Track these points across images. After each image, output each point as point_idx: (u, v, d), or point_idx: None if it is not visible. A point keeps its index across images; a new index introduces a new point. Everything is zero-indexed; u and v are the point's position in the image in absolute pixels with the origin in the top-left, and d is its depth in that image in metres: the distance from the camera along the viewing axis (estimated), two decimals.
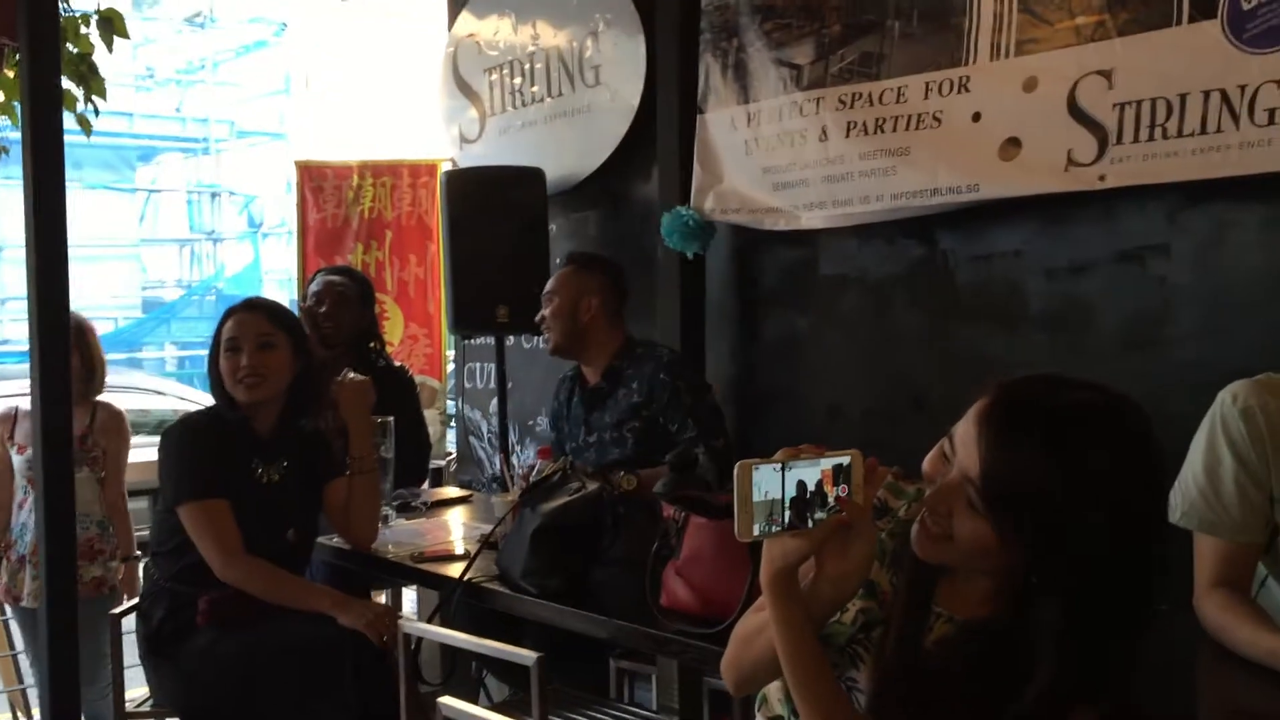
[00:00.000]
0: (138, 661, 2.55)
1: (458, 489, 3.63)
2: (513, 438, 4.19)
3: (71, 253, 2.75)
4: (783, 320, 3.40)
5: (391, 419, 2.83)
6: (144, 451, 3.64)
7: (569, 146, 3.94)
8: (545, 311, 2.95)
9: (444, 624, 2.26)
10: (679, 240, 3.32)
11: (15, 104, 3.28)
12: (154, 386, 8.47)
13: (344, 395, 2.64)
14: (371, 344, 3.52)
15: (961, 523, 1.17)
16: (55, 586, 2.71)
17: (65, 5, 3.40)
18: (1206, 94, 2.32)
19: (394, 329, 5.01)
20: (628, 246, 3.67)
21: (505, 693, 2.77)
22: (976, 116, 2.72)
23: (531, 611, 2.18)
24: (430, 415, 4.27)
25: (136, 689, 2.70)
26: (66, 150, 2.72)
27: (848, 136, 2.98)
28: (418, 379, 3.89)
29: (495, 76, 4.27)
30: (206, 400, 2.66)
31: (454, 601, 2.30)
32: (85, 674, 3.11)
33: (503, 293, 3.64)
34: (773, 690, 1.41)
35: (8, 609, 3.58)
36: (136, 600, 2.63)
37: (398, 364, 3.75)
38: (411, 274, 5.05)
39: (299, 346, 2.56)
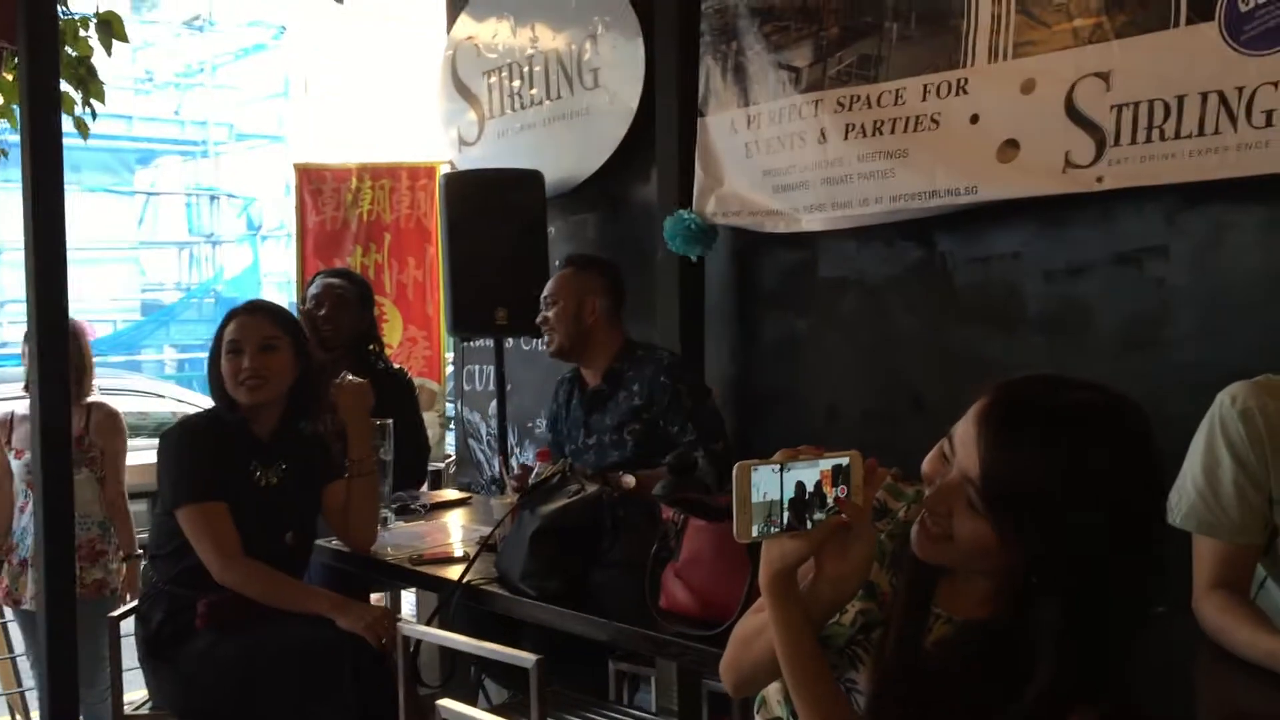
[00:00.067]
0: (137, 664, 2.55)
1: (457, 491, 3.63)
2: (512, 440, 4.19)
3: (70, 255, 2.75)
4: (782, 322, 3.40)
5: (390, 421, 2.83)
6: (143, 454, 3.65)
7: (568, 149, 3.95)
8: (548, 314, 2.94)
9: (443, 626, 2.26)
10: (682, 244, 3.32)
11: (14, 107, 3.28)
12: (153, 389, 8.48)
13: (343, 398, 2.64)
14: (371, 346, 3.52)
15: (961, 523, 1.17)
16: (54, 588, 2.71)
17: (64, 8, 3.40)
18: (1204, 96, 2.32)
19: (393, 331, 5.01)
20: (627, 249, 3.67)
21: (504, 695, 2.77)
22: (974, 118, 2.72)
23: (531, 614, 2.18)
24: (429, 418, 4.27)
25: (135, 691, 2.70)
26: (65, 153, 2.72)
27: (846, 139, 2.98)
28: (417, 381, 3.89)
29: (494, 79, 4.27)
30: (206, 403, 2.66)
31: (453, 604, 2.30)
32: (85, 676, 3.11)
33: (502, 295, 3.64)
34: (772, 692, 1.41)
35: (8, 612, 3.58)
36: (135, 603, 2.63)
37: (397, 366, 3.75)
38: (410, 276, 5.05)
39: (300, 350, 2.56)
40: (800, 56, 3.11)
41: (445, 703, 1.99)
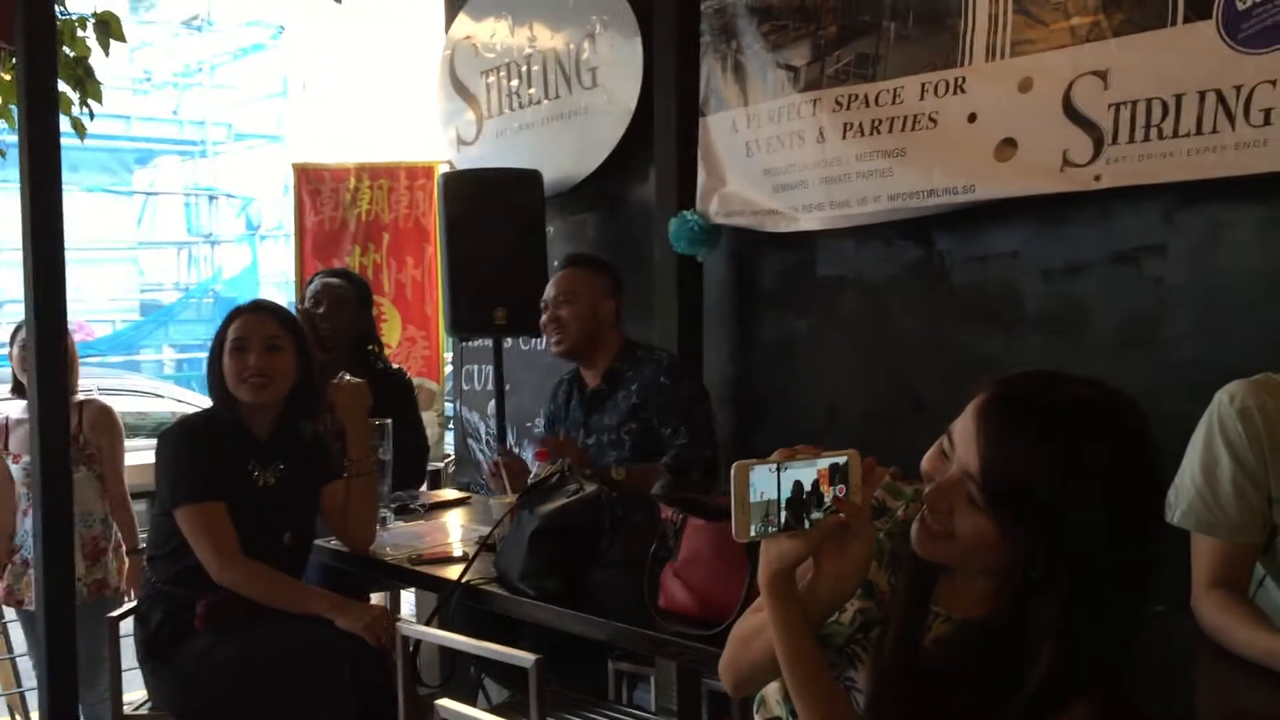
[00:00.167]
0: (136, 664, 2.55)
1: (456, 491, 3.63)
2: (511, 440, 4.19)
3: (69, 256, 2.76)
4: (780, 322, 3.40)
5: (389, 421, 2.83)
6: (142, 454, 3.65)
7: (566, 149, 3.94)
8: (561, 312, 2.92)
9: (442, 626, 2.26)
10: (686, 245, 3.33)
11: (12, 107, 3.28)
12: (152, 389, 8.49)
13: (341, 398, 2.64)
14: (370, 346, 3.52)
15: (962, 519, 1.18)
16: (53, 588, 2.71)
17: (62, 8, 3.40)
18: (1202, 94, 2.32)
19: (392, 331, 5.01)
20: (625, 248, 3.67)
21: (504, 695, 2.77)
22: (972, 117, 2.72)
23: (530, 613, 2.17)
24: (428, 417, 4.27)
25: (135, 692, 2.70)
26: (64, 153, 2.73)
27: (844, 138, 2.98)
28: (416, 381, 3.89)
29: (492, 79, 4.27)
30: (205, 403, 2.66)
31: (452, 604, 2.30)
32: (86, 677, 3.11)
33: (500, 295, 3.64)
34: (770, 691, 1.42)
35: (9, 612, 3.58)
36: (135, 604, 2.63)
37: (395, 366, 3.75)
38: (409, 276, 5.05)
39: (302, 351, 2.56)
40: (798, 56, 3.11)
41: (444, 702, 1.99)
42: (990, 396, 1.19)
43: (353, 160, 5.16)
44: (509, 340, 4.06)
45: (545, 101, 4.04)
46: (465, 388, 4.59)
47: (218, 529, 2.40)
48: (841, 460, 1.21)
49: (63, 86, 3.33)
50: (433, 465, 4.14)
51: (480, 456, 4.53)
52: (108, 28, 3.52)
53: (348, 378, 2.69)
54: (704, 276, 3.46)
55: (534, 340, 4.14)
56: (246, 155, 19.06)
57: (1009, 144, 2.65)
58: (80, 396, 3.51)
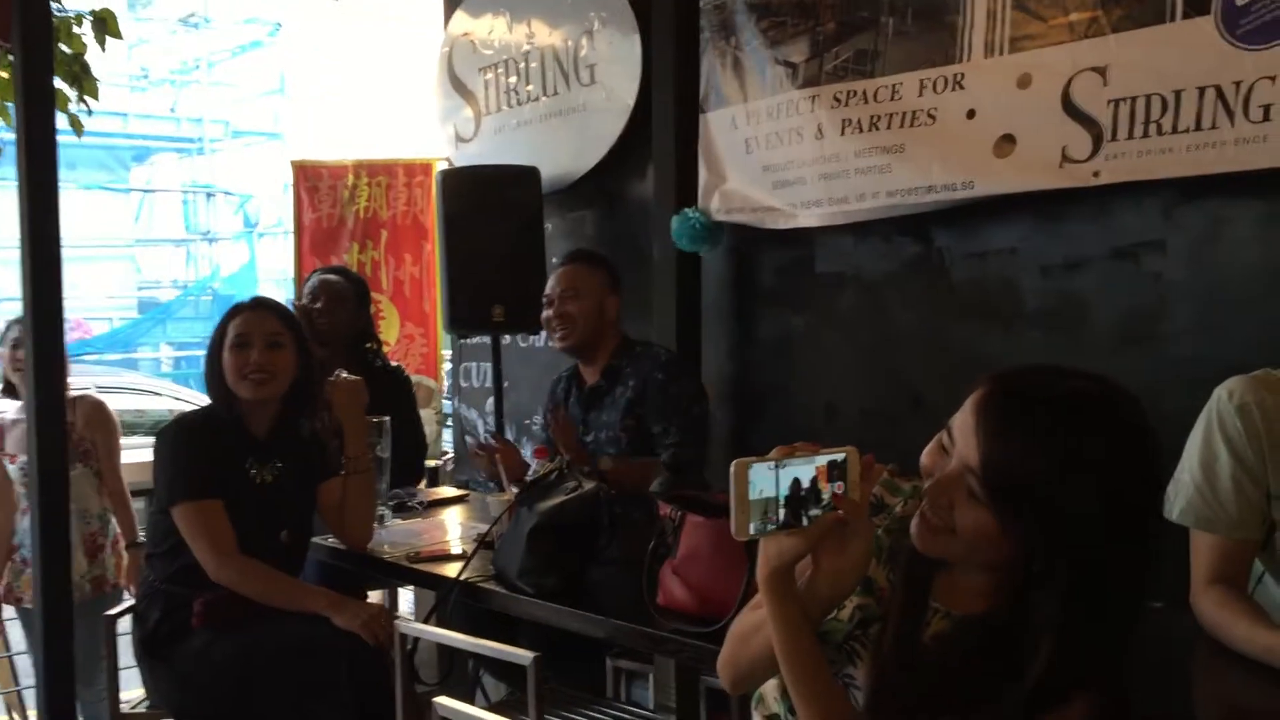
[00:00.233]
0: (133, 663, 2.55)
1: (454, 489, 3.63)
2: (509, 437, 4.19)
3: (66, 253, 2.75)
4: (779, 319, 3.40)
5: (387, 419, 2.83)
6: (140, 452, 3.65)
7: (564, 146, 3.94)
8: (569, 308, 2.92)
9: (441, 624, 2.25)
10: (688, 242, 3.33)
11: (8, 104, 3.27)
12: (150, 387, 8.48)
13: (338, 395, 2.64)
14: (368, 344, 3.52)
15: (963, 513, 1.18)
16: (50, 586, 2.71)
17: (58, 5, 3.39)
18: (1201, 90, 2.32)
19: (390, 329, 5.01)
20: (624, 245, 3.67)
21: (502, 692, 2.77)
22: (971, 113, 2.72)
23: (528, 611, 2.17)
24: (426, 415, 4.27)
25: (132, 690, 2.70)
26: (61, 150, 2.72)
27: (843, 134, 2.98)
28: (414, 379, 3.89)
29: (490, 75, 4.27)
30: (202, 400, 2.65)
31: (450, 601, 2.30)
32: (84, 675, 3.11)
33: (499, 292, 3.63)
34: (769, 689, 1.41)
35: (8, 610, 3.58)
36: (132, 602, 2.62)
37: (394, 364, 3.74)
38: (407, 273, 5.05)
39: (302, 349, 2.56)
40: (797, 52, 3.11)
41: (443, 700, 1.99)
42: (990, 391, 1.19)
43: (351, 157, 5.16)
44: (507, 337, 4.06)
45: (543, 98, 4.03)
46: (463, 385, 4.59)
47: (215, 527, 2.40)
48: (840, 457, 1.21)
49: (59, 83, 3.31)
50: (431, 463, 4.14)
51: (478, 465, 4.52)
52: (104, 24, 3.51)
53: (344, 375, 2.69)
54: (702, 273, 3.46)
55: (532, 337, 4.14)
56: (244, 152, 19.05)
57: (1008, 140, 2.64)
58: (73, 393, 3.50)
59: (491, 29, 4.25)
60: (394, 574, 2.64)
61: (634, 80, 3.65)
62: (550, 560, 2.15)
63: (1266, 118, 2.22)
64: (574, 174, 3.92)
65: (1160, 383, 2.31)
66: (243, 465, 2.49)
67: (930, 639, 1.26)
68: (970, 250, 2.91)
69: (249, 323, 2.50)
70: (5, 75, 3.26)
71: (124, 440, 3.62)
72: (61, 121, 3.31)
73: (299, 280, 4.80)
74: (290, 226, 5.18)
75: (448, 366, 5.08)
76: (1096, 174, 2.49)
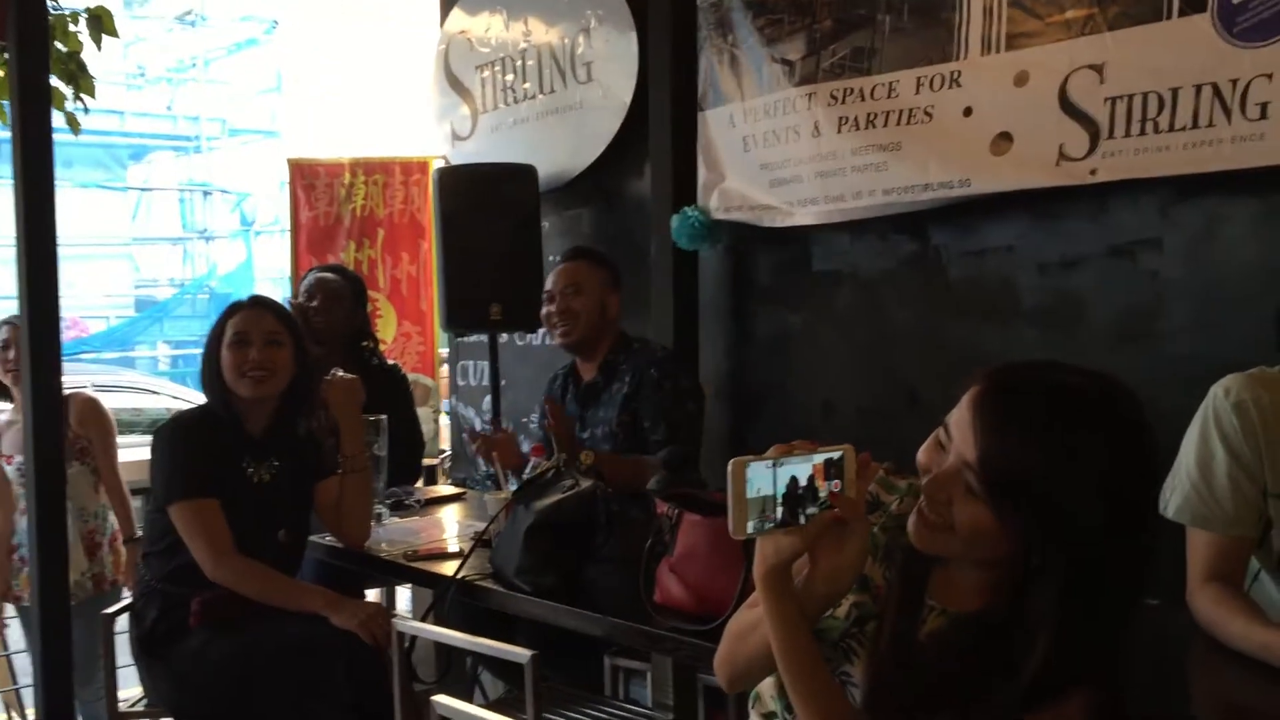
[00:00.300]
0: (131, 661, 2.54)
1: (451, 487, 3.62)
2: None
3: (63, 252, 2.75)
4: (776, 317, 3.40)
5: (384, 417, 2.83)
6: (137, 450, 3.64)
7: (561, 143, 3.94)
8: (573, 304, 2.92)
9: (438, 622, 2.25)
10: (687, 241, 3.33)
11: (4, 103, 3.27)
12: (147, 385, 8.47)
13: (333, 394, 2.63)
14: (365, 342, 3.52)
15: (961, 509, 1.18)
16: (48, 585, 2.71)
17: (54, 3, 3.39)
18: (1198, 88, 2.32)
19: (387, 327, 5.00)
20: (621, 243, 3.67)
21: (500, 690, 2.77)
22: (968, 111, 2.72)
23: (526, 609, 2.17)
24: (424, 413, 4.26)
25: (130, 689, 2.70)
26: (57, 149, 2.72)
27: (839, 132, 2.98)
28: (411, 377, 3.88)
29: (487, 73, 4.27)
30: (199, 399, 2.65)
31: (448, 599, 2.29)
32: (84, 674, 3.11)
33: (495, 290, 3.63)
34: (765, 687, 1.41)
35: (8, 609, 3.58)
36: (129, 600, 2.62)
37: (390, 362, 3.74)
38: (404, 272, 5.04)
39: (300, 347, 2.56)
40: (793, 49, 3.11)
41: (440, 698, 1.99)
42: (986, 386, 1.19)
43: (348, 155, 5.15)
44: (504, 335, 4.06)
45: (540, 96, 4.03)
46: (460, 383, 4.59)
47: (212, 526, 2.39)
48: (836, 455, 1.21)
49: (56, 82, 3.31)
50: (428, 461, 4.13)
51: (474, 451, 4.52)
52: (100, 23, 3.51)
53: (340, 373, 2.69)
54: (699, 271, 3.46)
55: (529, 336, 4.14)
56: (241, 150, 19.02)
57: (1005, 138, 2.64)
58: (65, 391, 3.50)
59: (488, 27, 4.25)
60: (391, 572, 2.64)
61: (630, 78, 3.64)
62: (547, 558, 2.15)
63: (1264, 115, 2.22)
64: (571, 172, 3.91)
65: (1157, 380, 2.30)
66: (240, 464, 2.49)
67: (926, 636, 1.26)
68: (967, 248, 2.91)
69: (247, 321, 2.50)
70: (1, 74, 3.26)
71: (122, 439, 3.62)
72: (58, 120, 3.31)
73: (295, 279, 4.79)
74: (287, 225, 5.17)
75: (444, 365, 5.07)
76: (1094, 172, 2.49)
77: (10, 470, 3.40)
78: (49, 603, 2.72)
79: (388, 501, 2.95)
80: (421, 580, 2.50)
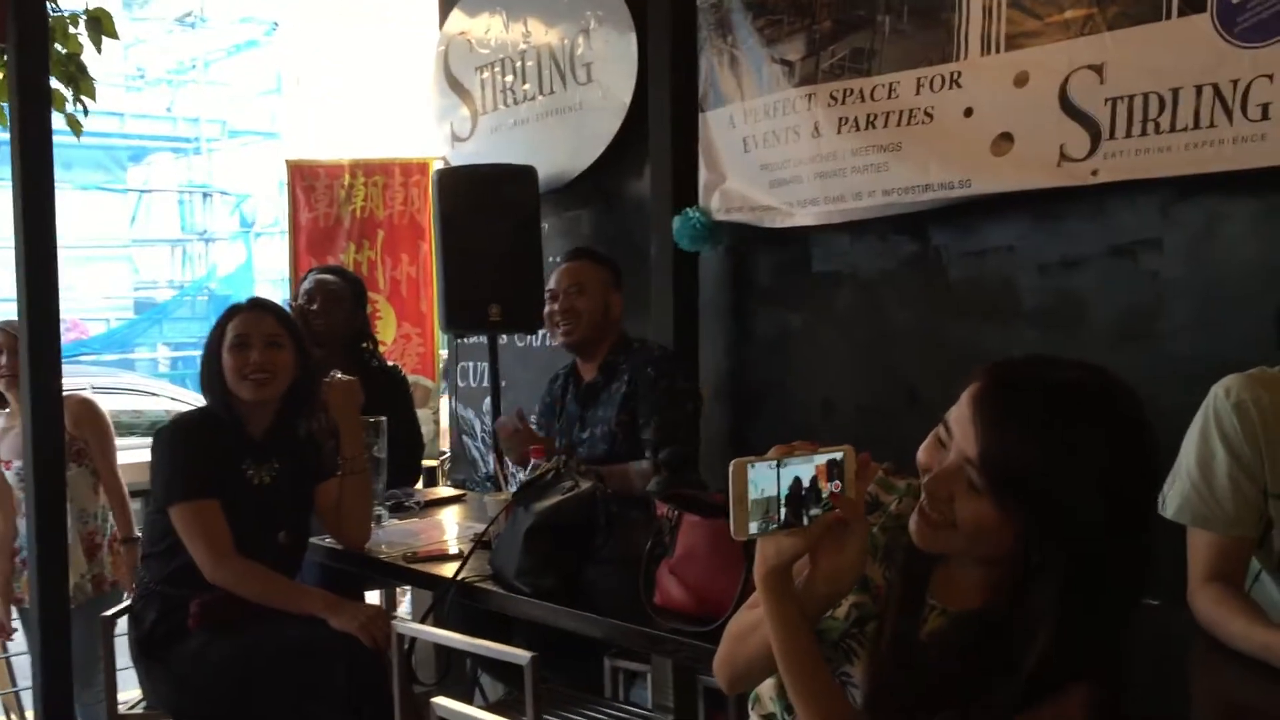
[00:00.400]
0: (130, 663, 2.54)
1: (451, 489, 3.62)
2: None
3: (63, 254, 2.74)
4: (776, 317, 3.40)
5: (384, 419, 2.83)
6: (137, 453, 3.64)
7: (561, 144, 3.94)
8: (577, 304, 2.93)
9: (438, 624, 2.25)
10: (689, 242, 3.33)
11: (4, 105, 3.27)
12: (146, 387, 8.47)
13: (332, 396, 2.63)
14: (364, 344, 3.51)
15: (963, 505, 1.18)
16: (47, 587, 2.70)
17: (54, 5, 3.38)
18: (1199, 88, 2.32)
19: (387, 328, 5.00)
20: (621, 244, 3.67)
21: (500, 692, 2.77)
22: (968, 112, 2.72)
23: (525, 611, 2.17)
24: (423, 414, 4.26)
25: (130, 691, 2.70)
26: (57, 150, 2.72)
27: (840, 132, 2.98)
28: (411, 378, 3.88)
29: (487, 74, 4.27)
30: (199, 401, 2.64)
31: (448, 601, 2.29)
32: (84, 676, 3.11)
33: (495, 291, 3.62)
34: (765, 689, 1.41)
35: (14, 612, 3.57)
36: (129, 603, 2.62)
37: (390, 364, 3.74)
38: (404, 273, 5.04)
39: (300, 349, 2.56)
40: (793, 50, 3.11)
41: (440, 700, 1.98)
42: (986, 382, 1.19)
43: (347, 157, 5.15)
44: (504, 337, 4.06)
45: (540, 97, 4.03)
46: (460, 384, 4.59)
47: (212, 527, 2.39)
48: (838, 455, 1.21)
49: (56, 84, 3.31)
50: (428, 462, 4.13)
51: (476, 454, 4.52)
52: (100, 24, 3.50)
53: (339, 375, 2.69)
54: (699, 271, 3.46)
55: (529, 337, 4.14)
56: (241, 152, 19.02)
57: (1005, 138, 2.64)
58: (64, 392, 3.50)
59: (488, 28, 4.25)
60: (391, 574, 2.63)
61: (630, 79, 3.64)
62: (547, 560, 2.14)
63: (1265, 116, 2.22)
64: (570, 173, 3.91)
65: (1157, 380, 2.29)
66: (240, 466, 2.49)
67: (927, 636, 1.26)
68: (967, 249, 2.91)
69: (247, 323, 2.50)
70: (0, 76, 3.25)
71: (121, 441, 3.61)
72: (59, 122, 3.31)
73: (295, 280, 4.79)
74: (287, 226, 5.17)
75: (444, 366, 5.07)
76: (1095, 173, 2.49)
77: (10, 475, 3.40)
78: (49, 605, 2.71)
79: (387, 503, 2.94)
80: (421, 582, 2.49)
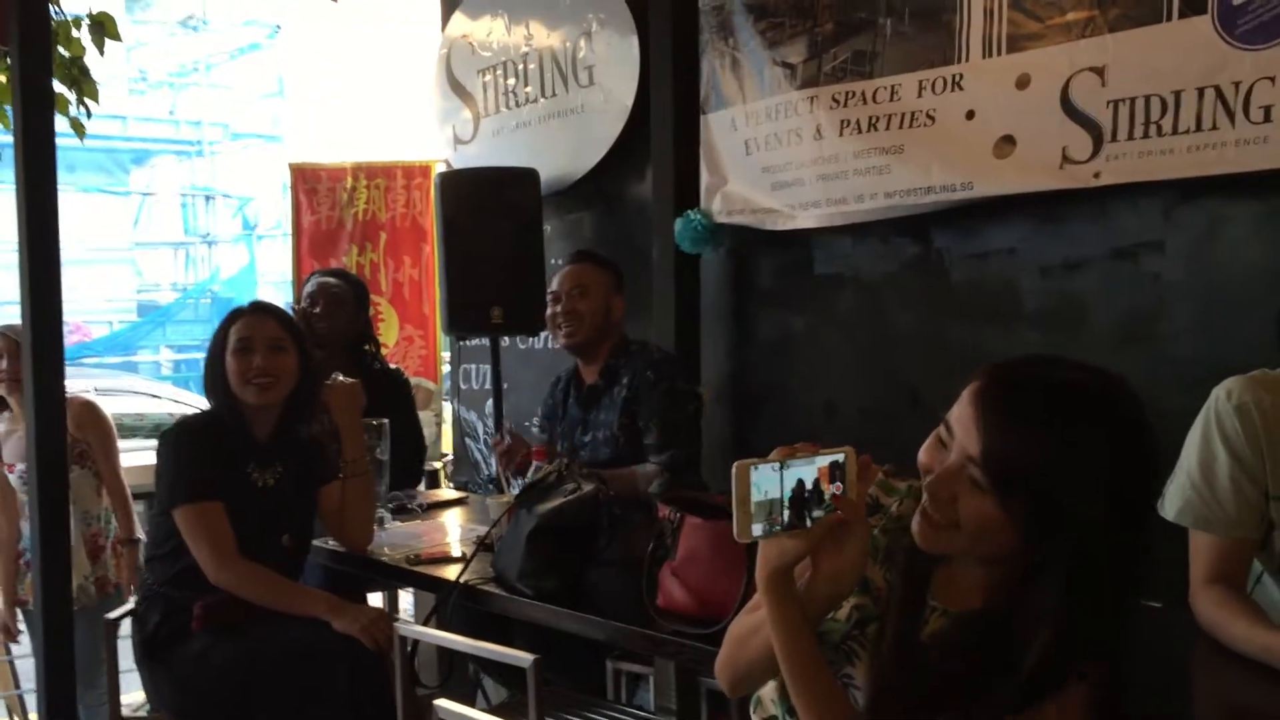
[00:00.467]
0: (134, 666, 2.54)
1: (453, 491, 3.62)
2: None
3: (65, 257, 2.75)
4: (778, 319, 3.40)
5: (386, 421, 2.83)
6: (141, 455, 3.64)
7: (563, 147, 3.94)
8: (579, 306, 2.93)
9: (440, 626, 2.25)
10: (690, 244, 3.33)
11: (7, 108, 3.28)
12: (149, 390, 8.48)
13: (334, 398, 2.64)
14: (367, 346, 3.52)
15: (966, 504, 1.18)
16: (50, 589, 2.71)
17: (57, 8, 3.39)
18: (1201, 91, 2.32)
19: (389, 331, 5.00)
20: (622, 246, 3.67)
21: (503, 695, 2.77)
22: (970, 114, 2.72)
23: (528, 613, 2.17)
24: (426, 417, 4.26)
25: (133, 693, 2.70)
26: (60, 153, 2.72)
27: (841, 135, 2.98)
28: (413, 381, 3.89)
29: (489, 77, 4.27)
30: (202, 404, 2.65)
31: (450, 604, 2.29)
32: (87, 678, 3.11)
33: (497, 294, 3.63)
34: (766, 692, 1.41)
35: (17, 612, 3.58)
36: (132, 605, 2.62)
37: (393, 366, 3.74)
38: (406, 275, 5.04)
39: (303, 352, 2.56)
40: (795, 53, 3.11)
41: (443, 703, 1.99)
42: (988, 381, 1.20)
43: (349, 160, 5.15)
44: (506, 339, 4.06)
45: (542, 100, 4.04)
46: (463, 387, 4.59)
47: (215, 529, 2.39)
48: (840, 457, 1.21)
49: (59, 87, 3.32)
50: (430, 465, 4.13)
51: (478, 456, 4.53)
52: (103, 28, 3.51)
53: (341, 378, 2.69)
54: (701, 274, 3.46)
55: (531, 339, 4.14)
56: (243, 155, 19.04)
57: (1007, 141, 2.64)
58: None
59: (490, 31, 4.25)
60: (394, 576, 2.64)
61: (632, 81, 3.65)
62: (550, 562, 2.14)
63: (1267, 119, 2.22)
64: (572, 175, 3.92)
65: (1159, 383, 2.30)
66: (244, 469, 2.49)
67: (929, 637, 1.26)
68: (969, 251, 2.91)
69: (250, 327, 2.50)
70: (3, 79, 3.26)
71: (124, 444, 3.61)
72: (62, 125, 3.31)
73: (298, 283, 4.80)
74: (289, 229, 5.17)
75: (446, 369, 5.07)
76: (1097, 175, 2.49)
77: (13, 478, 3.41)
78: (52, 607, 2.72)
79: (390, 505, 2.95)
80: (424, 584, 2.49)
